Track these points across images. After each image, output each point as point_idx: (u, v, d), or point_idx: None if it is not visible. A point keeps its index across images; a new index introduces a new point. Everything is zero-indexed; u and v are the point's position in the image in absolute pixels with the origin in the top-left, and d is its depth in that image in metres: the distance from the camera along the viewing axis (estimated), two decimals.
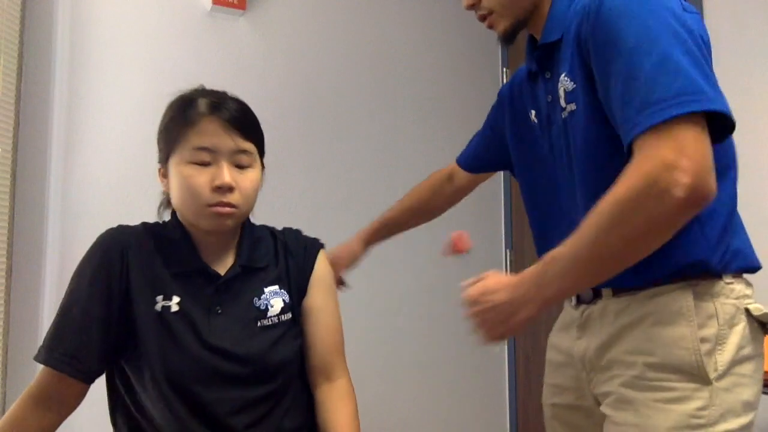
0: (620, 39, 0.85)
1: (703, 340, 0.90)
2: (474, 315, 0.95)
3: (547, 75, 1.07)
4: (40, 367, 1.02)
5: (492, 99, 3.06)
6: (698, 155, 0.77)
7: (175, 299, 1.02)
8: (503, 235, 2.72)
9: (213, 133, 1.00)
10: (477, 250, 2.64)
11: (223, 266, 1.10)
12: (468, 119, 2.70)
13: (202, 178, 1.00)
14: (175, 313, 1.02)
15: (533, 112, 1.14)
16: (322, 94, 2.40)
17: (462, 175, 1.51)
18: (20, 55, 1.91)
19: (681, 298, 0.92)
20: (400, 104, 2.55)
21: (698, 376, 0.90)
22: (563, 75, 1.00)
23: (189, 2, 2.21)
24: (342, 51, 2.46)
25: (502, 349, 2.65)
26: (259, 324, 1.07)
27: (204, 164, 1.00)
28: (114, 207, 2.01)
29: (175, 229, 1.08)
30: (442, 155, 2.62)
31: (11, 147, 1.86)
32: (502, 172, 2.71)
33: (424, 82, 2.60)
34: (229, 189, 1.01)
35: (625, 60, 0.84)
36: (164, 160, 1.06)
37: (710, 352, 0.90)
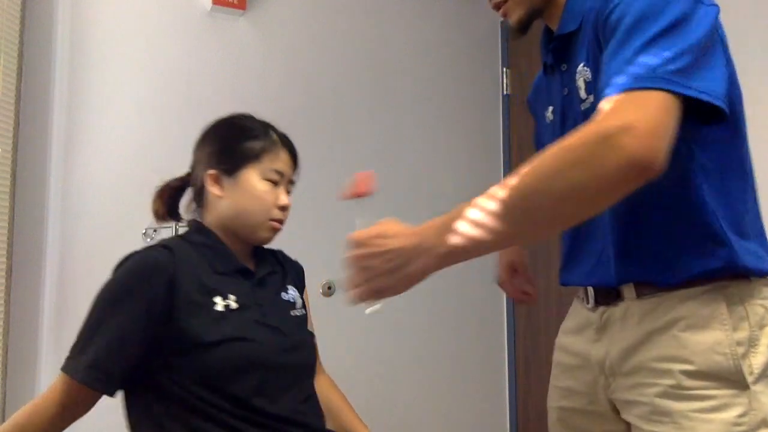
0: (624, 18, 0.83)
1: (738, 343, 0.87)
2: (355, 260, 0.83)
3: (564, 67, 1.03)
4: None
5: (492, 99, 3.06)
6: (658, 126, 0.74)
7: (232, 297, 1.12)
8: None
9: (285, 162, 1.21)
10: None
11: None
12: (468, 119, 2.70)
13: (272, 196, 1.18)
14: (236, 309, 1.12)
15: (550, 108, 1.10)
16: (322, 94, 2.40)
17: None
18: (20, 55, 1.91)
19: (713, 302, 0.89)
20: (400, 104, 2.55)
21: (736, 381, 0.87)
22: (581, 65, 0.96)
23: (189, 2, 2.21)
24: (342, 51, 2.46)
25: (502, 349, 2.65)
26: (291, 313, 1.23)
27: (275, 184, 1.19)
28: (114, 207, 2.01)
29: (203, 235, 1.19)
30: (442, 155, 2.63)
31: (11, 147, 1.86)
32: (501, 171, 2.72)
33: (424, 82, 2.60)
34: (286, 209, 1.21)
35: (622, 36, 0.82)
36: (229, 170, 1.18)
37: (745, 356, 0.87)
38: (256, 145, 1.19)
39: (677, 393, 0.88)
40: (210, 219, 1.21)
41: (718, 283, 0.89)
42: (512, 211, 0.77)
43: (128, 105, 2.09)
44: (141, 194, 2.16)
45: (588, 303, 1.04)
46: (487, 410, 2.60)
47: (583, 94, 0.97)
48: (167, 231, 2.02)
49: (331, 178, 2.39)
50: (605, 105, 0.78)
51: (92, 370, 1.05)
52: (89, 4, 2.06)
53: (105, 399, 1.10)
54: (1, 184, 1.82)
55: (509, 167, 2.71)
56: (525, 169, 0.77)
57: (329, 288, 2.32)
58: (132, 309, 1.06)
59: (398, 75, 2.55)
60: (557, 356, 1.14)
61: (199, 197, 1.24)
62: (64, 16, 2.02)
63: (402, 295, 2.79)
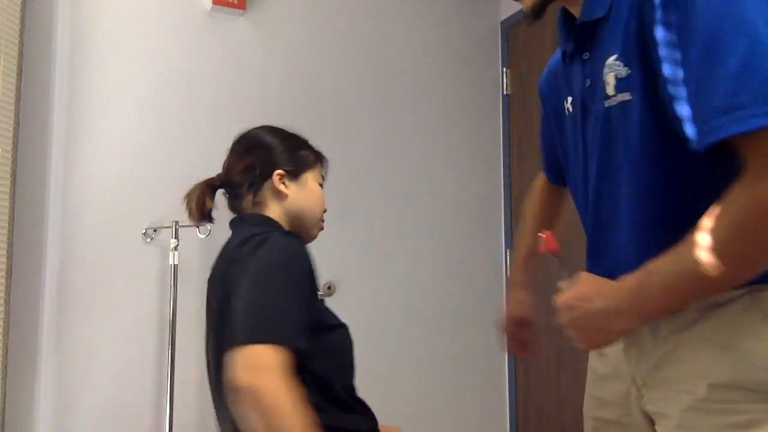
0: (698, 18, 0.74)
1: None
2: (569, 322, 0.88)
3: (586, 56, 0.94)
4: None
5: (492, 99, 3.05)
6: None
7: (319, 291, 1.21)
8: (503, 236, 2.72)
9: (323, 172, 1.38)
10: (477, 250, 2.65)
11: None
12: (468, 119, 2.70)
13: (323, 199, 1.35)
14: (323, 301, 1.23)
15: (569, 99, 1.01)
16: (322, 94, 2.40)
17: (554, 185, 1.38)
18: (20, 55, 1.91)
19: (745, 309, 0.82)
20: (400, 104, 2.55)
21: None
22: (613, 58, 0.87)
23: (189, 2, 2.21)
24: (342, 51, 2.46)
25: (502, 349, 2.65)
26: None
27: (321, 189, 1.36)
28: (114, 207, 2.01)
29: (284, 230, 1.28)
30: (442, 155, 2.63)
31: (11, 147, 1.86)
32: (501, 171, 2.72)
33: (424, 82, 2.60)
34: (326, 212, 1.38)
35: (704, 46, 0.73)
36: (294, 172, 1.29)
37: None
38: (311, 153, 1.34)
39: (704, 407, 0.83)
40: (270, 216, 1.27)
41: (753, 287, 0.82)
42: (692, 283, 0.77)
43: (128, 105, 2.09)
44: (141, 194, 2.17)
45: None
46: (487, 410, 2.60)
47: (611, 90, 0.88)
48: (167, 231, 2.02)
49: (331, 177, 2.39)
50: (747, 159, 0.72)
51: (300, 335, 1.05)
52: (89, 4, 2.06)
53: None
54: (1, 184, 1.82)
55: (509, 167, 2.71)
56: (696, 241, 0.75)
57: (329, 288, 2.32)
58: (305, 286, 1.11)
59: (398, 75, 2.56)
60: (591, 361, 1.10)
61: (255, 195, 1.26)
62: (64, 16, 2.02)
63: (403, 295, 2.78)
